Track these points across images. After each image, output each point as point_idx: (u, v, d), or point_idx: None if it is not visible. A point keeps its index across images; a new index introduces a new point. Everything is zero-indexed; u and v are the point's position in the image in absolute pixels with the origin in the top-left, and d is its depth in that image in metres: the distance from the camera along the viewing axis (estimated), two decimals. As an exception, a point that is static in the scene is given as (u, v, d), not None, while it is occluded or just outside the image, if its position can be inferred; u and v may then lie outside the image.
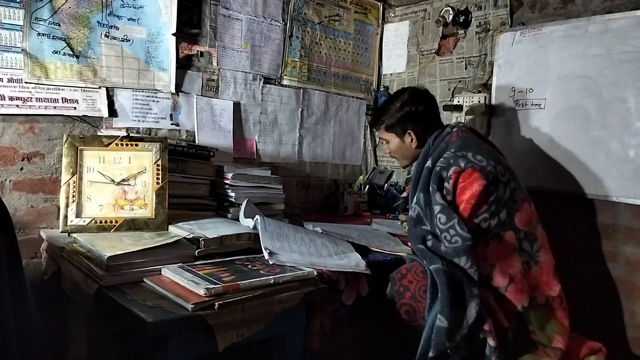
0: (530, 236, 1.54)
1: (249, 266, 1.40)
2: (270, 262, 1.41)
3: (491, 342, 1.36)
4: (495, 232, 1.49)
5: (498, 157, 1.60)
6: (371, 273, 1.52)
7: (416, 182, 1.64)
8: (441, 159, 1.55)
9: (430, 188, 1.53)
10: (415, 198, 1.60)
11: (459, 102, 2.41)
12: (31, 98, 1.71)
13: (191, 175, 1.84)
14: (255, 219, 1.62)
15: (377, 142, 2.89)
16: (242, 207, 1.75)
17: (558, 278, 1.55)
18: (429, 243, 1.48)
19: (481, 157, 1.53)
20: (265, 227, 1.58)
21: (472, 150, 1.55)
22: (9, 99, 1.67)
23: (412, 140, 1.74)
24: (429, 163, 1.60)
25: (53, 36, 1.73)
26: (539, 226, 1.58)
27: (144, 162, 1.65)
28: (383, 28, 2.86)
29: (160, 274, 1.30)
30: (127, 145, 1.64)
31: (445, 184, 1.50)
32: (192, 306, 1.13)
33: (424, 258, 1.46)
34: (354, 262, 1.54)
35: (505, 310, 1.44)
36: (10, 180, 1.70)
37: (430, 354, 1.35)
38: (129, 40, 1.91)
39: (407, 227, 1.83)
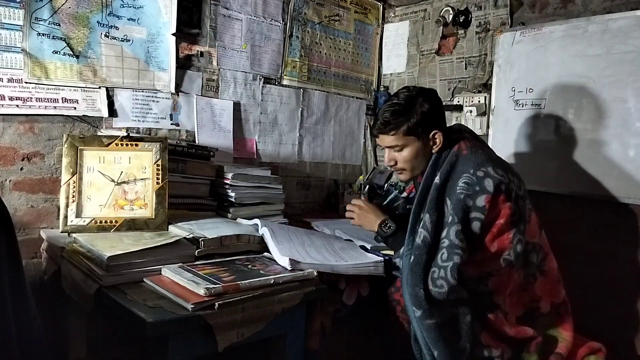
0: (537, 246, 1.49)
1: (249, 266, 1.40)
2: (289, 268, 1.39)
3: (495, 352, 1.36)
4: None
5: (508, 166, 1.49)
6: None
7: (421, 200, 1.47)
8: (461, 184, 1.38)
9: (450, 219, 1.36)
10: (421, 221, 1.42)
11: (459, 102, 2.41)
12: (31, 98, 1.71)
13: (191, 175, 1.84)
14: (261, 230, 1.62)
15: (377, 142, 2.88)
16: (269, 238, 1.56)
17: (562, 283, 1.54)
18: (433, 288, 1.33)
19: (502, 172, 1.39)
20: (276, 237, 1.56)
21: (490, 165, 1.40)
22: (9, 99, 1.67)
23: (435, 143, 1.50)
24: (437, 179, 1.44)
25: (53, 36, 1.73)
26: (542, 232, 1.53)
27: (144, 162, 1.65)
28: (383, 28, 2.86)
29: (160, 274, 1.31)
30: (127, 145, 1.64)
31: (474, 214, 1.35)
32: (192, 306, 1.13)
33: (415, 302, 1.33)
34: (372, 264, 1.53)
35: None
36: (10, 180, 1.70)
37: None
38: (129, 40, 1.91)
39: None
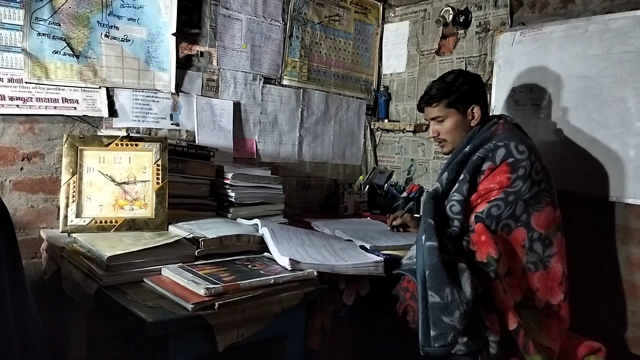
0: (546, 240, 1.52)
1: (249, 266, 1.40)
2: (289, 268, 1.39)
3: (492, 336, 1.36)
4: (505, 223, 1.49)
5: (540, 155, 1.58)
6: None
7: (448, 163, 1.65)
8: (481, 149, 1.56)
9: (462, 176, 1.54)
10: (440, 176, 1.63)
11: (459, 102, 2.41)
12: (31, 98, 1.71)
13: (191, 175, 1.84)
14: (261, 230, 1.62)
15: (377, 142, 2.89)
16: (269, 239, 1.57)
17: (563, 289, 1.53)
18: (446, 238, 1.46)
19: (524, 149, 1.52)
20: (276, 237, 1.56)
21: (515, 140, 1.54)
22: (9, 99, 1.67)
23: (474, 117, 1.68)
24: (467, 148, 1.61)
25: (53, 36, 1.73)
26: (558, 233, 1.56)
27: (144, 162, 1.65)
28: (383, 28, 2.86)
29: (160, 274, 1.30)
30: (127, 145, 1.64)
31: (478, 178, 1.53)
32: (192, 306, 1.13)
33: (424, 232, 1.43)
34: (372, 264, 1.53)
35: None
36: (10, 180, 1.70)
37: (432, 332, 1.32)
38: (129, 40, 1.91)
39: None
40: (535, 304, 1.50)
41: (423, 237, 1.42)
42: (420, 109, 1.79)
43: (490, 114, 1.78)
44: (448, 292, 1.31)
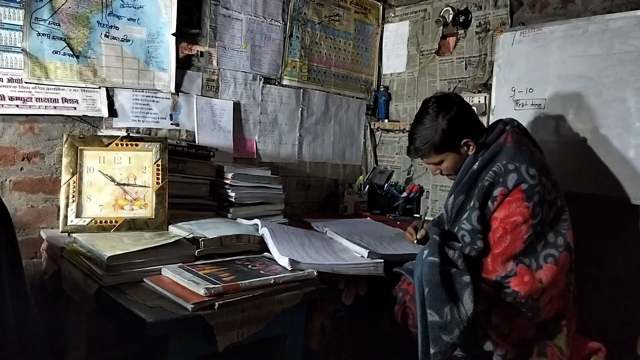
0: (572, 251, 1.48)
1: (249, 266, 1.40)
2: (289, 268, 1.39)
3: (498, 351, 1.36)
4: (547, 253, 1.41)
5: (549, 171, 1.50)
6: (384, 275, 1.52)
7: (456, 184, 1.58)
8: (490, 172, 1.46)
9: (472, 202, 1.46)
10: (446, 200, 1.57)
11: (459, 102, 2.41)
12: (31, 98, 1.71)
13: (191, 175, 1.84)
14: (261, 230, 1.62)
15: (377, 142, 2.89)
16: (270, 239, 1.57)
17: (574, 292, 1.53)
18: (451, 252, 1.40)
19: (534, 172, 1.42)
20: (276, 238, 1.56)
21: (526, 162, 1.44)
22: (9, 99, 1.67)
23: (469, 148, 1.57)
24: (476, 166, 1.52)
25: (53, 36, 1.73)
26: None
27: (144, 162, 1.65)
28: (383, 28, 2.86)
29: (160, 274, 1.31)
30: (127, 145, 1.64)
31: (489, 204, 1.44)
32: (192, 306, 1.13)
33: (428, 247, 1.40)
34: (372, 265, 1.52)
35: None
36: (10, 180, 1.70)
37: (432, 350, 1.32)
38: (129, 40, 1.91)
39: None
40: (567, 323, 1.47)
41: (425, 252, 1.39)
42: (412, 158, 1.74)
43: (509, 118, 1.65)
44: (447, 311, 1.29)
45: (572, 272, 1.48)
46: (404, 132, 2.72)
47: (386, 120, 2.79)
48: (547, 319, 1.44)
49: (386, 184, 2.68)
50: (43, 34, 1.71)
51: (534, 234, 1.40)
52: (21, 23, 1.66)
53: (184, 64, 2.07)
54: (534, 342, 1.43)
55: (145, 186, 1.63)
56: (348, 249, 1.65)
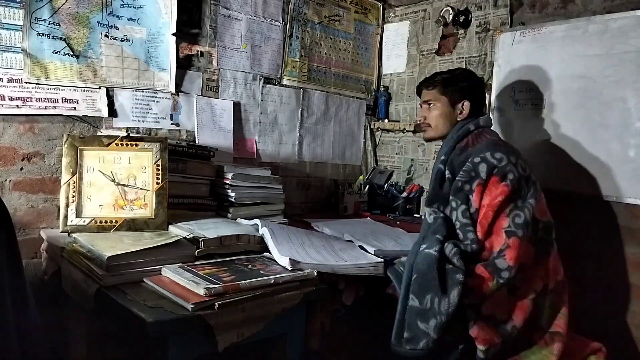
0: (549, 225, 1.54)
1: (249, 266, 1.40)
2: (289, 268, 1.39)
3: (480, 346, 1.37)
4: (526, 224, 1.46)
5: (515, 150, 1.57)
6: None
7: (432, 178, 1.69)
8: (461, 173, 1.53)
9: (454, 204, 1.51)
10: (427, 198, 1.64)
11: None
12: (31, 98, 1.71)
13: (191, 175, 1.84)
14: (261, 230, 1.62)
15: (377, 142, 2.89)
16: (269, 239, 1.57)
17: (560, 262, 1.58)
18: (449, 247, 1.42)
19: (500, 155, 1.50)
20: (276, 238, 1.56)
21: (489, 149, 1.53)
22: (9, 99, 1.67)
23: (461, 112, 1.69)
24: (440, 165, 1.62)
25: (53, 36, 1.73)
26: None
27: (144, 162, 1.65)
28: (383, 28, 2.86)
29: (160, 274, 1.31)
30: (127, 145, 1.64)
31: (471, 197, 1.49)
32: (192, 306, 1.13)
33: (428, 241, 1.43)
34: (372, 265, 1.53)
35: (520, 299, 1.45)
36: (10, 180, 1.70)
37: (405, 334, 1.36)
38: (129, 40, 1.91)
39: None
40: (550, 288, 1.51)
41: (423, 245, 1.42)
42: (419, 91, 1.83)
43: (485, 117, 1.73)
44: (429, 299, 1.33)
45: (548, 242, 1.52)
46: (404, 132, 2.72)
47: (386, 120, 2.79)
48: (538, 293, 1.46)
49: (386, 184, 2.68)
50: (43, 34, 1.71)
51: (518, 208, 1.46)
52: (21, 23, 1.66)
53: (184, 64, 2.07)
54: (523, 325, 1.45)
55: (145, 188, 1.63)
56: (354, 247, 1.68)
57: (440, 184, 1.62)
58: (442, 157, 1.63)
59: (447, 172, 1.59)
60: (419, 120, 1.81)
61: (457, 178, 1.53)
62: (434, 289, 1.33)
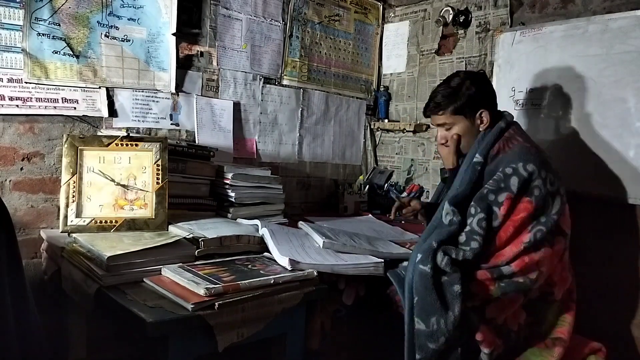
0: (568, 236, 1.51)
1: (249, 266, 1.40)
2: (289, 268, 1.39)
3: (485, 349, 1.37)
4: (545, 238, 1.43)
5: (547, 161, 1.51)
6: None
7: (462, 174, 1.58)
8: (491, 181, 1.46)
9: (473, 210, 1.44)
10: (452, 195, 1.52)
11: (459, 102, 2.41)
12: (31, 98, 1.71)
13: (191, 175, 1.84)
14: (261, 230, 1.62)
15: (377, 142, 2.89)
16: (269, 239, 1.57)
17: (571, 270, 1.57)
18: (440, 256, 1.38)
19: (532, 168, 1.43)
20: (276, 238, 1.56)
21: (522, 160, 1.45)
22: (9, 99, 1.67)
23: (482, 122, 1.59)
24: (478, 157, 1.54)
25: (53, 36, 1.73)
26: None
27: (144, 162, 1.65)
28: (383, 28, 2.86)
29: (160, 274, 1.31)
30: (127, 145, 1.64)
31: (495, 209, 1.42)
32: (192, 306, 1.13)
33: (422, 252, 1.38)
34: (372, 265, 1.53)
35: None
36: (10, 180, 1.70)
37: (417, 356, 1.36)
38: (129, 40, 1.91)
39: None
40: (554, 298, 1.50)
41: (417, 257, 1.38)
42: (426, 115, 1.71)
43: (506, 112, 1.68)
44: (434, 321, 1.32)
45: (564, 251, 1.51)
46: (404, 132, 2.72)
47: (386, 120, 2.79)
48: (531, 299, 1.46)
49: (386, 184, 2.68)
50: (43, 34, 1.71)
51: (541, 224, 1.42)
52: (21, 23, 1.66)
53: (184, 64, 2.07)
54: (523, 329, 1.45)
55: (144, 189, 1.63)
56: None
57: (475, 186, 1.52)
58: (480, 159, 1.54)
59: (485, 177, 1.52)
60: (441, 144, 1.67)
61: (485, 185, 1.47)
62: (437, 311, 1.32)
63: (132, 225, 1.58)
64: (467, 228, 1.43)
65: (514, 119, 1.66)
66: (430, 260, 1.35)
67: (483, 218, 1.41)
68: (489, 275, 1.38)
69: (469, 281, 1.36)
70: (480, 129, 1.60)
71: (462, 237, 1.43)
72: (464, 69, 1.74)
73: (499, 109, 1.67)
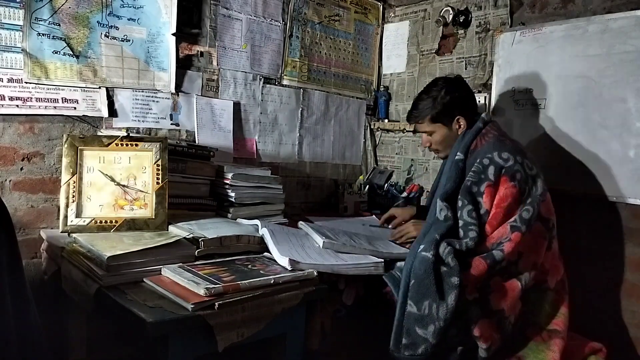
0: (551, 224, 1.56)
1: (249, 266, 1.40)
2: (289, 268, 1.39)
3: (483, 344, 1.37)
4: (531, 218, 1.50)
5: (522, 150, 1.60)
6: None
7: (445, 174, 1.68)
8: (471, 172, 1.56)
9: (460, 203, 1.53)
10: (441, 192, 1.60)
11: (459, 102, 2.41)
12: (31, 98, 1.71)
13: (191, 175, 1.84)
14: (261, 230, 1.62)
15: (377, 142, 2.89)
16: (269, 239, 1.58)
17: (561, 260, 1.60)
18: (442, 246, 1.42)
19: (507, 155, 1.54)
20: (276, 238, 1.56)
21: (497, 150, 1.56)
22: (9, 99, 1.67)
23: (460, 127, 1.73)
24: (460, 164, 1.63)
25: (53, 36, 1.73)
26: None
27: (144, 162, 1.65)
28: (383, 28, 2.86)
29: (160, 274, 1.31)
30: (127, 145, 1.64)
31: (479, 199, 1.52)
32: (192, 306, 1.13)
33: (424, 242, 1.43)
34: (372, 265, 1.53)
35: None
36: (10, 180, 1.70)
37: (404, 341, 1.37)
38: (129, 40, 1.91)
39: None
40: (548, 286, 1.54)
41: (420, 247, 1.42)
42: (410, 123, 1.90)
43: (485, 113, 1.78)
44: (426, 305, 1.34)
45: (549, 241, 1.55)
46: (404, 132, 2.72)
47: (386, 120, 2.79)
48: (529, 288, 1.49)
49: (386, 184, 2.68)
50: (43, 34, 1.71)
51: (530, 204, 1.50)
52: (21, 23, 1.66)
53: (184, 64, 2.07)
54: (519, 319, 1.47)
55: (144, 189, 1.63)
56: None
57: (460, 181, 1.61)
58: (461, 156, 1.64)
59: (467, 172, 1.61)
60: (426, 147, 1.85)
61: (466, 178, 1.56)
62: (432, 295, 1.34)
63: (132, 225, 1.58)
64: (461, 222, 1.50)
65: (493, 120, 1.76)
66: (433, 248, 1.39)
67: (472, 209, 1.50)
68: (484, 263, 1.41)
69: (464, 270, 1.39)
70: (459, 133, 1.73)
71: (460, 233, 1.49)
72: (446, 75, 1.86)
73: (497, 113, 1.74)
